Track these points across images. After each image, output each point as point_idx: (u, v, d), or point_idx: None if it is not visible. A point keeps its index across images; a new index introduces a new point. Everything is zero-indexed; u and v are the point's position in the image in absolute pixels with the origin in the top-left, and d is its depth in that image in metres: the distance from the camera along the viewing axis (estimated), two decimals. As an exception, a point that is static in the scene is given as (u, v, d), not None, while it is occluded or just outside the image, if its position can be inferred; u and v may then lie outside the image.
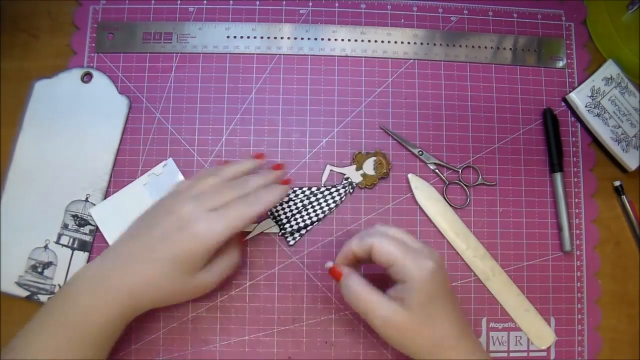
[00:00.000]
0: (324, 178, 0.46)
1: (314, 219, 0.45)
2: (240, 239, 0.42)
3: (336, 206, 0.46)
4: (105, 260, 0.37)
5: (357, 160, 0.46)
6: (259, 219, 0.45)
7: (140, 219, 0.39)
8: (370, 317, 0.36)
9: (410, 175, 0.47)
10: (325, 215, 0.46)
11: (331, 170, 0.46)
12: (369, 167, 0.46)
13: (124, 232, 0.39)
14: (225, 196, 0.38)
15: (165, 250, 0.36)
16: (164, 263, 0.36)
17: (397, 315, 0.35)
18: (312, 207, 0.46)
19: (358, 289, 0.37)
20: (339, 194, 0.46)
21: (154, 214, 0.38)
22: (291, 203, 0.45)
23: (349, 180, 0.46)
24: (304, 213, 0.45)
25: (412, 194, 0.47)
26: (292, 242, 0.45)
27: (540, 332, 0.46)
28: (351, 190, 0.46)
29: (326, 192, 0.46)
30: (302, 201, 0.45)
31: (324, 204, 0.46)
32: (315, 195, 0.46)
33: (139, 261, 0.36)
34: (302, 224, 0.45)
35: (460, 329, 0.37)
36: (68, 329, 0.35)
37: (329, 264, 0.40)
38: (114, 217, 0.45)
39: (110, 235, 0.45)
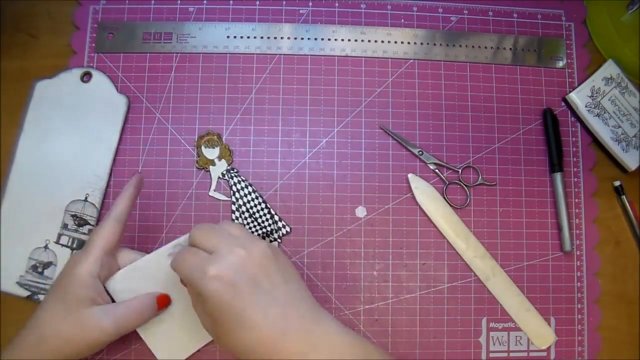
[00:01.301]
0: (215, 193, 0.46)
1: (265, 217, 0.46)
2: (157, 302, 0.39)
3: (252, 189, 0.46)
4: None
5: (202, 163, 0.46)
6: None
7: None
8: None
9: (410, 175, 0.47)
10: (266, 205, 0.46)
11: (219, 177, 0.46)
12: (209, 153, 0.46)
13: None
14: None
15: (50, 291, 0.38)
16: (47, 305, 0.37)
17: (206, 323, 0.35)
18: (254, 210, 0.46)
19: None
20: (241, 182, 0.46)
21: None
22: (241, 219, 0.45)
23: (223, 171, 0.46)
24: (258, 218, 0.45)
25: (412, 194, 0.47)
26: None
27: (540, 332, 0.46)
28: (236, 172, 0.46)
29: (238, 194, 0.46)
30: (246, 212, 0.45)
31: (255, 202, 0.46)
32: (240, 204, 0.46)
33: (34, 314, 0.37)
34: (267, 229, 0.45)
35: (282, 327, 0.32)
36: None
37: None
38: (132, 288, 0.40)
39: None
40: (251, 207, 0.46)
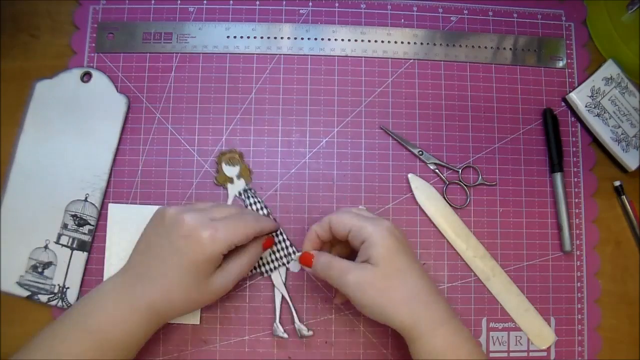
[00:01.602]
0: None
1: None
2: (258, 241, 0.42)
3: (268, 212, 0.46)
4: (126, 274, 0.39)
5: (221, 180, 0.46)
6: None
7: (149, 232, 0.40)
8: (344, 282, 0.37)
9: (410, 175, 0.47)
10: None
11: (235, 196, 0.46)
12: (229, 170, 0.46)
13: (137, 245, 0.40)
14: (224, 211, 0.40)
15: (175, 260, 0.37)
16: (176, 273, 0.37)
17: (367, 272, 0.37)
18: None
19: (330, 260, 0.39)
20: (257, 203, 0.46)
21: (161, 225, 0.39)
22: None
23: (240, 190, 0.46)
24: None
25: (412, 194, 0.47)
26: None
27: (540, 332, 0.46)
28: (253, 192, 0.46)
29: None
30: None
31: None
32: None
33: (154, 275, 0.37)
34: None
35: (433, 287, 0.38)
36: (95, 337, 0.36)
37: (299, 254, 0.42)
38: (126, 224, 0.44)
39: (112, 237, 0.45)
40: None
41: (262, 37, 0.49)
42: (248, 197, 0.46)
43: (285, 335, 0.44)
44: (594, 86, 0.49)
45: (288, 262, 0.45)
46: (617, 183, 0.49)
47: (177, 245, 0.37)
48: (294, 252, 0.45)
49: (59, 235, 0.45)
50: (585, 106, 0.49)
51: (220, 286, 0.39)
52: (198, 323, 0.44)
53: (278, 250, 0.45)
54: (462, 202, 0.48)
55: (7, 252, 0.44)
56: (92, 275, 0.45)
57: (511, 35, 0.51)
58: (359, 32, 0.50)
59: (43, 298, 0.44)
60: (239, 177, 0.46)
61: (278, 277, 0.45)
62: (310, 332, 0.44)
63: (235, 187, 0.46)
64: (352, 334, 0.45)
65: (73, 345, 0.35)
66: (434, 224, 0.47)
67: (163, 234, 0.38)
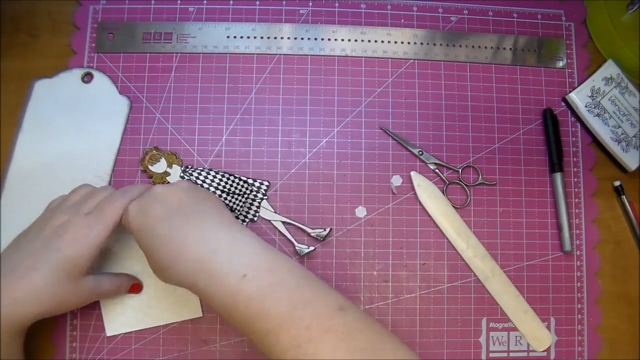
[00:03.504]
0: None
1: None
2: (133, 281, 0.44)
3: (215, 172, 0.46)
4: None
5: (158, 180, 0.45)
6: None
7: (20, 236, 0.40)
8: None
9: (413, 173, 0.47)
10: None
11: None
12: (158, 167, 0.46)
13: (4, 249, 0.39)
14: (97, 198, 0.39)
15: (48, 256, 0.36)
16: (48, 269, 0.36)
17: None
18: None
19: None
20: (202, 171, 0.46)
21: (33, 228, 0.39)
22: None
23: (180, 174, 0.46)
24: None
25: (414, 193, 0.47)
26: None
27: (537, 335, 0.46)
28: (191, 167, 0.46)
29: (206, 184, 0.46)
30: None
31: (224, 181, 0.46)
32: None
33: (22, 271, 0.36)
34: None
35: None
36: None
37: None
38: None
39: None
40: (224, 187, 0.45)
41: (262, 37, 0.49)
42: (191, 175, 0.46)
43: (312, 248, 0.45)
44: (594, 86, 0.49)
45: (265, 195, 0.46)
46: (617, 183, 0.49)
47: (50, 243, 0.36)
48: (261, 184, 0.46)
49: (59, 235, 0.45)
50: (585, 106, 0.49)
51: (89, 290, 0.38)
52: (201, 315, 0.44)
53: (246, 194, 0.45)
54: (462, 202, 0.48)
55: (7, 252, 0.44)
56: (92, 275, 0.45)
57: (511, 35, 0.51)
58: (359, 32, 0.50)
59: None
60: (170, 166, 0.46)
61: (266, 212, 0.45)
62: (312, 248, 0.45)
63: (175, 175, 0.46)
64: (352, 334, 0.45)
65: None
66: (434, 224, 0.47)
67: (36, 235, 0.38)
